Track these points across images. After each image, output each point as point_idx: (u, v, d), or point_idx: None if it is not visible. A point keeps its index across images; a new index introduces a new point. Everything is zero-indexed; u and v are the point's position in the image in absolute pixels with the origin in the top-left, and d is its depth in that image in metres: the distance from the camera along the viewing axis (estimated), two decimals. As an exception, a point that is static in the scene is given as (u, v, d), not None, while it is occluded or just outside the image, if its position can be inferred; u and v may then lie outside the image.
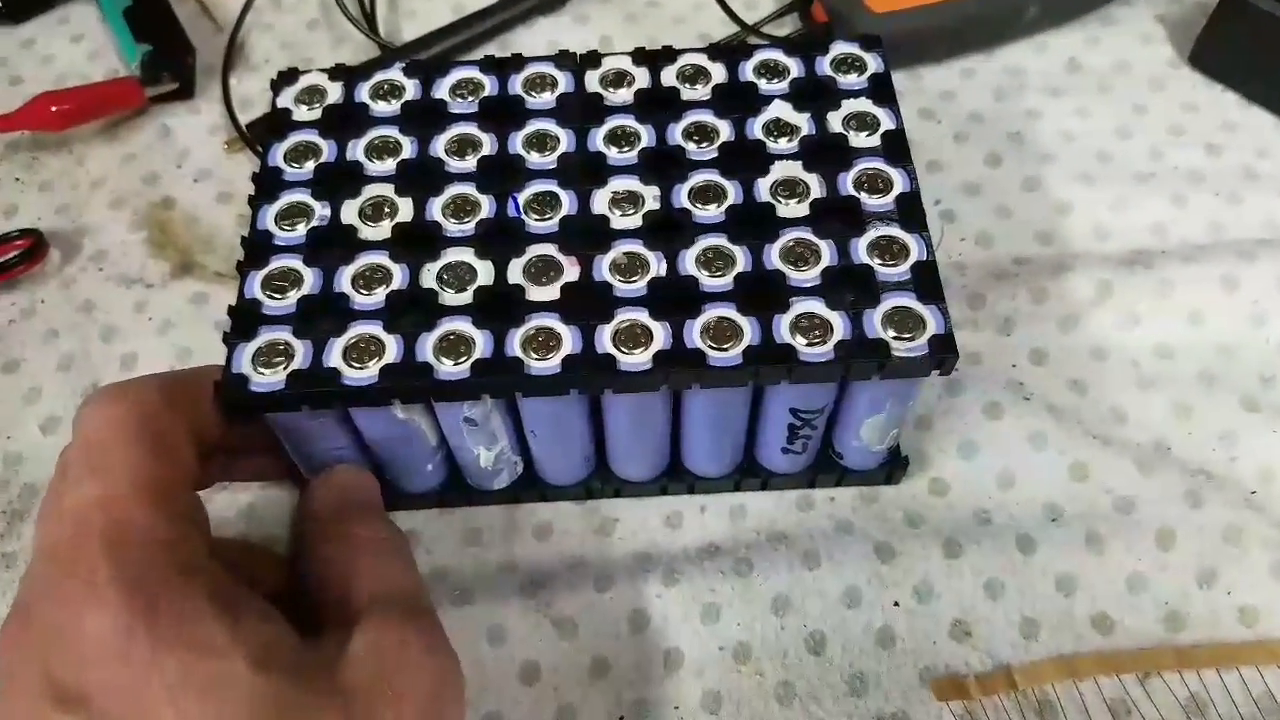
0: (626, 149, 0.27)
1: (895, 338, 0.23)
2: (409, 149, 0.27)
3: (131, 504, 0.21)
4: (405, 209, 0.26)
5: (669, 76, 0.28)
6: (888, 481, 0.29)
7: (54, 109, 0.36)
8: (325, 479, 0.26)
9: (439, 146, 0.27)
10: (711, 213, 0.25)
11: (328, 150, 0.27)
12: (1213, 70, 0.37)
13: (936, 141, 0.36)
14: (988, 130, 0.36)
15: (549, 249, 0.25)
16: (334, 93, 0.28)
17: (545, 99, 0.28)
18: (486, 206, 0.26)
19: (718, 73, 0.28)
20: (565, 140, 0.27)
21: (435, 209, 0.26)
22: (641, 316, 0.24)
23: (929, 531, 0.28)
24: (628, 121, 0.27)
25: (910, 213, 0.25)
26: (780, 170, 0.26)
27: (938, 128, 0.36)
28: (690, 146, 0.27)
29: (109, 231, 0.35)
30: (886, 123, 0.27)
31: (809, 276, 0.24)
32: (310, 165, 0.27)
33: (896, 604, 0.27)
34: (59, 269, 0.34)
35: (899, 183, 0.25)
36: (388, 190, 0.26)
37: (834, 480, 0.29)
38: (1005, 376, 0.31)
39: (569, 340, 0.23)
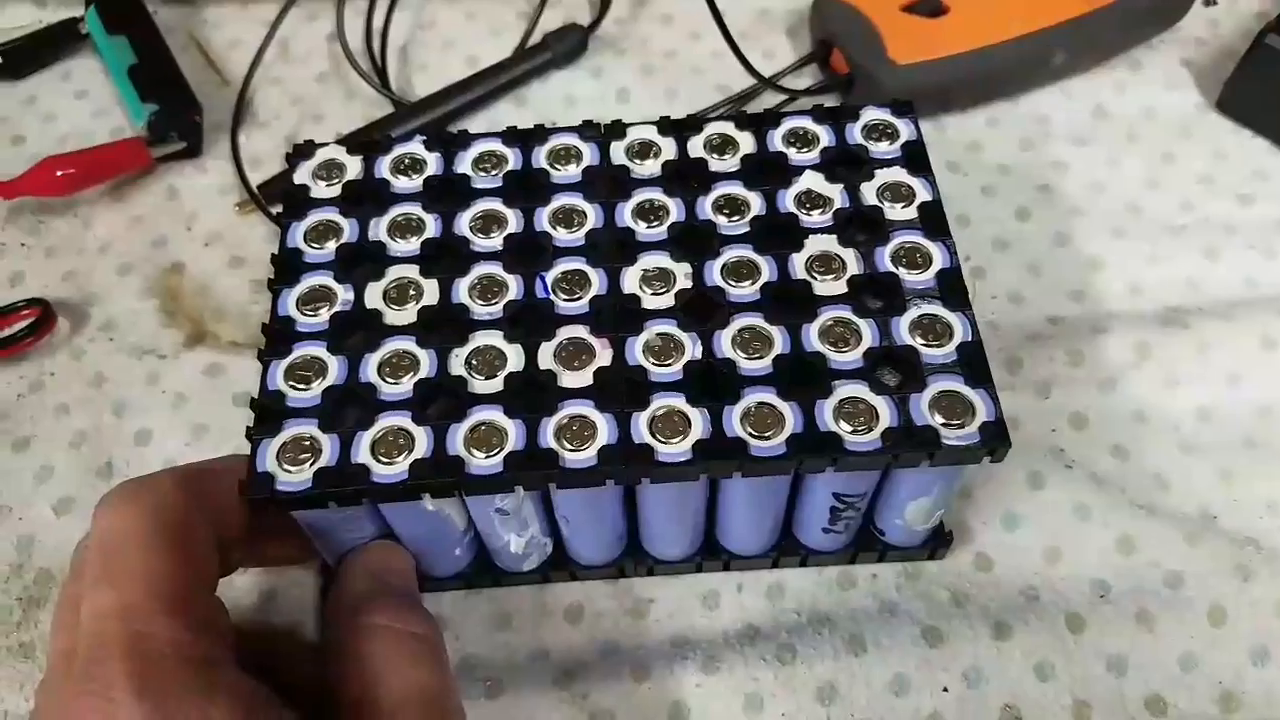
0: (655, 224, 0.26)
1: (944, 424, 0.22)
2: (433, 227, 0.26)
3: (150, 613, 0.20)
4: (431, 291, 0.25)
5: (696, 147, 0.27)
6: (931, 558, 0.28)
7: (59, 173, 0.35)
8: (356, 560, 0.25)
9: (463, 224, 0.26)
10: (746, 291, 0.25)
11: (349, 230, 0.26)
12: (1241, 115, 0.36)
13: (964, 195, 0.35)
14: (1015, 183, 0.35)
15: (580, 331, 0.24)
16: (353, 168, 0.27)
17: (570, 172, 0.27)
18: (514, 287, 0.25)
19: (746, 142, 0.27)
20: (593, 215, 0.26)
21: (462, 290, 0.25)
22: (679, 402, 0.23)
23: (976, 611, 0.27)
24: (655, 195, 0.26)
25: (952, 290, 0.24)
26: (814, 245, 0.25)
27: (965, 180, 0.35)
28: (721, 220, 0.26)
29: (118, 299, 0.34)
30: (922, 194, 0.26)
31: (850, 359, 0.23)
32: (331, 245, 0.26)
33: (946, 690, 0.26)
34: (68, 339, 0.33)
35: (939, 258, 0.25)
36: (412, 271, 0.25)
37: (875, 557, 0.28)
38: (1046, 443, 0.30)
39: (604, 429, 0.23)
